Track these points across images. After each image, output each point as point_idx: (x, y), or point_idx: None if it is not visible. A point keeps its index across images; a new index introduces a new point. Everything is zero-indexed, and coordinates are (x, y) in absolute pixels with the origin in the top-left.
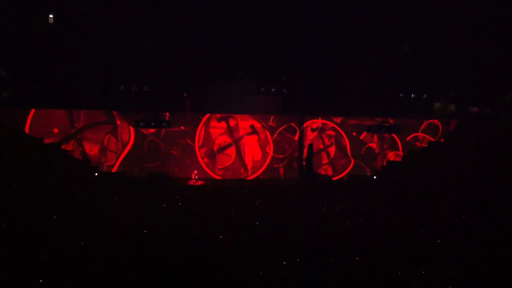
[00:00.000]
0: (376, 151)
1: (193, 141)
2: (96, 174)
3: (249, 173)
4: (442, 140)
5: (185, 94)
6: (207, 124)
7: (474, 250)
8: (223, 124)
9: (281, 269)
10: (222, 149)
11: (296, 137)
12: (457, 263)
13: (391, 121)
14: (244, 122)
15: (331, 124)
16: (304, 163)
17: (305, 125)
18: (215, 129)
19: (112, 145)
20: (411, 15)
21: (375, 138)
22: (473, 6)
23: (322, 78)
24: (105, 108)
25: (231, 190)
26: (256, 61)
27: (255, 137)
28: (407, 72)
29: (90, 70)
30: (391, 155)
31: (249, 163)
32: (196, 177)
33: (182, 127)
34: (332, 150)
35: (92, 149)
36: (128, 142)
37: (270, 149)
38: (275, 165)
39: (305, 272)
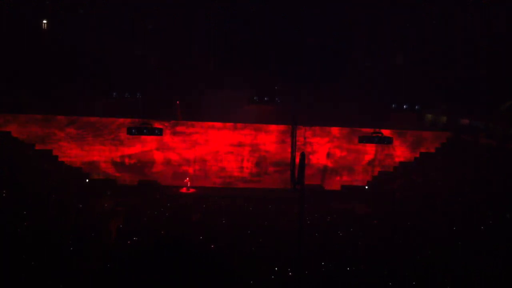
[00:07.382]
0: (368, 161)
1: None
2: (87, 180)
3: (242, 181)
4: (434, 151)
5: (177, 102)
6: (200, 131)
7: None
8: (215, 132)
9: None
10: (214, 157)
11: (289, 146)
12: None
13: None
14: (237, 131)
15: (323, 133)
16: (295, 173)
17: (297, 134)
18: (208, 137)
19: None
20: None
21: (367, 148)
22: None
23: (315, 88)
24: (97, 114)
25: (223, 198)
26: (250, 69)
27: (247, 145)
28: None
29: (82, 77)
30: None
31: (242, 172)
32: (188, 184)
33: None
34: (324, 159)
35: (84, 156)
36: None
37: (262, 158)
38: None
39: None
